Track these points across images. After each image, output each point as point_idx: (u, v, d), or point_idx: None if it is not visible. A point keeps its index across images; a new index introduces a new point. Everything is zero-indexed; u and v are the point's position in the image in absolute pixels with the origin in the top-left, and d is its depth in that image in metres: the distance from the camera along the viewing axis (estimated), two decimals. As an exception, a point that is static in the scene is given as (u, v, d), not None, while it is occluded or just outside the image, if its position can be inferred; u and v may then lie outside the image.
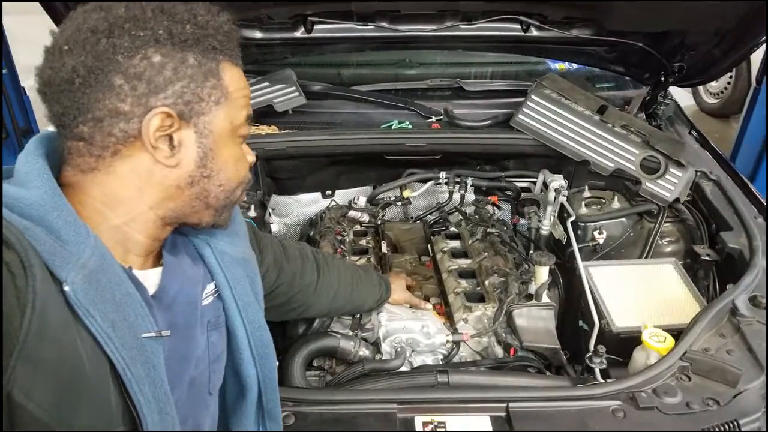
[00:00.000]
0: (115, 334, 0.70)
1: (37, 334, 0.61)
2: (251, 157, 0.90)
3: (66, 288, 0.66)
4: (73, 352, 0.66)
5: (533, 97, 1.95)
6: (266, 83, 2.10)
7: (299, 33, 1.94)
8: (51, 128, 0.79)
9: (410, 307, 1.62)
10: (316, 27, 1.92)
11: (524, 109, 1.95)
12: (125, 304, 0.72)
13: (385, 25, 1.90)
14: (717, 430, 1.05)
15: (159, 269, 0.84)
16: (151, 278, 0.82)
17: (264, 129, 2.04)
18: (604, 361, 1.29)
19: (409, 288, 1.68)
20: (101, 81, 0.72)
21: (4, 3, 3.18)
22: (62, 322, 0.65)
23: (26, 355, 0.60)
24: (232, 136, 0.82)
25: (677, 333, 1.27)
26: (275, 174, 2.10)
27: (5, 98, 3.15)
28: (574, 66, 2.48)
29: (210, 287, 0.93)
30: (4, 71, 3.15)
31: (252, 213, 1.84)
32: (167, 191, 0.79)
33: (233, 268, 0.95)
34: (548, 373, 1.42)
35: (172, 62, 0.75)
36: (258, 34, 1.94)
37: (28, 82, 3.18)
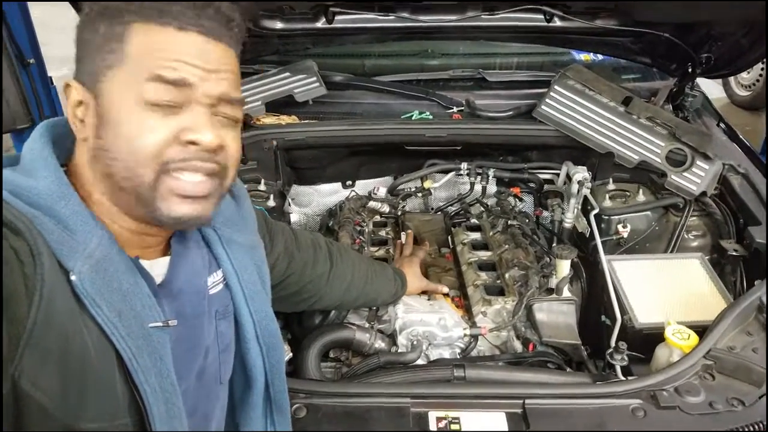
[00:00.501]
0: (122, 323, 0.70)
1: (44, 322, 0.61)
2: (194, 135, 0.73)
3: (73, 277, 0.67)
4: (79, 341, 0.66)
5: (556, 87, 1.91)
6: (287, 73, 2.10)
7: (320, 24, 1.92)
8: None
9: (427, 296, 1.61)
10: (337, 17, 1.90)
11: (547, 100, 1.91)
12: (132, 294, 0.72)
13: (406, 15, 1.87)
14: (741, 431, 1.03)
15: (167, 259, 0.84)
16: (158, 268, 0.82)
17: (284, 119, 2.04)
18: (626, 358, 1.27)
19: (424, 275, 1.68)
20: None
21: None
22: (69, 312, 0.66)
23: (33, 343, 0.60)
24: (134, 100, 0.72)
25: (702, 330, 1.24)
26: (295, 164, 2.10)
27: (32, 88, 3.19)
28: (600, 57, 2.43)
29: (217, 275, 0.92)
30: (31, 61, 3.19)
31: (271, 203, 1.85)
32: (91, 172, 0.76)
33: (240, 256, 0.94)
34: (568, 369, 1.40)
35: (89, 34, 0.74)
36: (279, 25, 1.93)
37: (58, 72, 3.23)
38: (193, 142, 0.74)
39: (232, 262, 0.93)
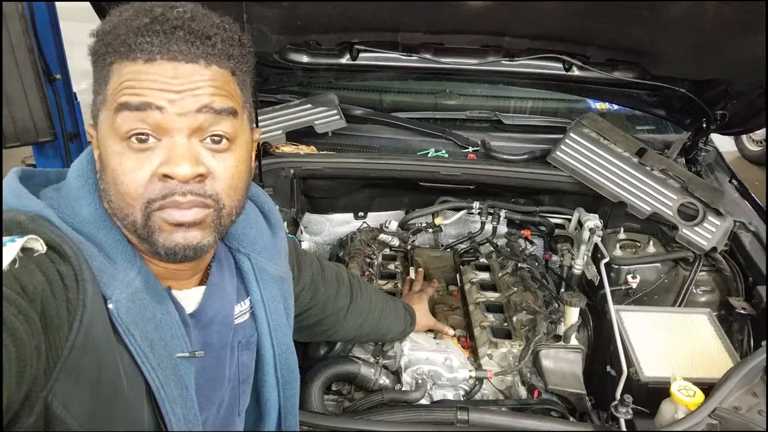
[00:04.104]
0: (153, 354, 0.71)
1: (81, 347, 0.61)
2: (168, 168, 0.69)
3: (110, 305, 0.68)
4: (113, 368, 0.67)
5: (572, 134, 1.94)
6: (309, 105, 2.15)
7: (345, 59, 1.97)
8: None
9: (434, 335, 1.61)
10: (361, 55, 1.96)
11: (562, 146, 1.94)
12: (164, 324, 0.74)
13: (428, 56, 1.92)
14: (745, 494, 1.02)
15: (201, 289, 0.85)
16: (190, 298, 0.83)
17: (303, 148, 2.08)
18: (630, 411, 1.26)
19: (432, 312, 1.68)
20: None
21: (61, 8, 3.32)
22: (105, 339, 0.67)
23: (69, 367, 0.60)
24: (114, 140, 0.70)
25: (707, 387, 1.24)
26: (310, 193, 2.13)
27: (56, 102, 3.25)
28: (615, 106, 2.47)
29: (244, 305, 0.93)
30: (57, 77, 3.26)
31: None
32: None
33: (270, 286, 0.95)
34: (572, 418, 1.40)
35: (93, 81, 0.75)
36: (305, 59, 1.98)
37: (80, 86, 3.29)
38: (168, 176, 0.69)
39: (262, 293, 0.93)
